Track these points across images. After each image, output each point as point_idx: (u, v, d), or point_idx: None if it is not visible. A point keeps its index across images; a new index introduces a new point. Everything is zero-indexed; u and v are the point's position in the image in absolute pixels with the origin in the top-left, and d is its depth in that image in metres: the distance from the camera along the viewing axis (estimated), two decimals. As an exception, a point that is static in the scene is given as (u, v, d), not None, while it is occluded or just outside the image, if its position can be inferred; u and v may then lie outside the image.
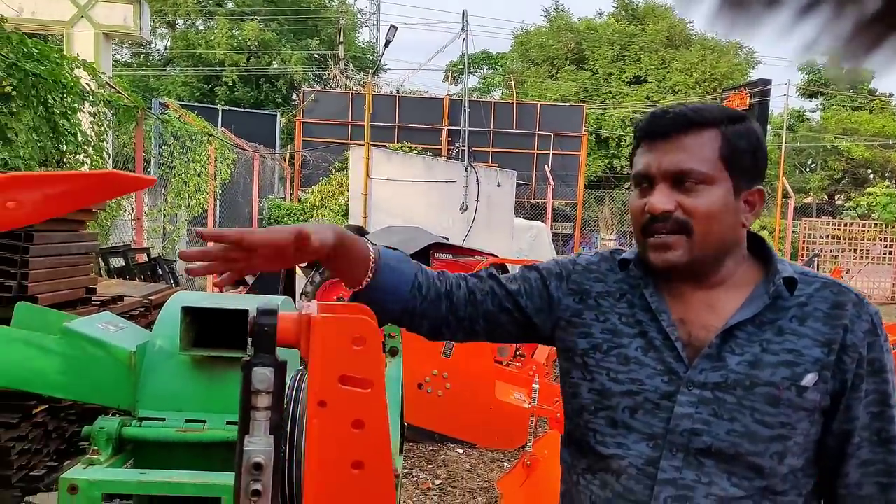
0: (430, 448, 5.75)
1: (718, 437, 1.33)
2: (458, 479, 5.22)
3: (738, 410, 1.33)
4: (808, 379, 1.33)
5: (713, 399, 1.34)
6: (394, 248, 1.50)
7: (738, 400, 1.33)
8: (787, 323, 1.36)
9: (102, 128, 7.87)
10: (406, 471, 5.21)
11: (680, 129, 1.36)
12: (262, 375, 1.27)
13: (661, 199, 1.35)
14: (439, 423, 5.83)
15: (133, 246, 8.34)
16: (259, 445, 1.26)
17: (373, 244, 1.44)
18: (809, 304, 1.37)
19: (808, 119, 41.17)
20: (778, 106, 51.52)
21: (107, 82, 8.33)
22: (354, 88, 28.29)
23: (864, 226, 21.51)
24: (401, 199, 13.88)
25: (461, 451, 5.77)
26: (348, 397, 1.32)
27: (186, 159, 11.39)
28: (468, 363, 5.78)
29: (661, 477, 1.35)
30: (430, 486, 5.06)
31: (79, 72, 7.33)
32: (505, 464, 5.51)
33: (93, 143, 7.45)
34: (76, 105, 7.07)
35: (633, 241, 1.51)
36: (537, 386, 4.49)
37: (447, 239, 9.60)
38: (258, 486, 1.24)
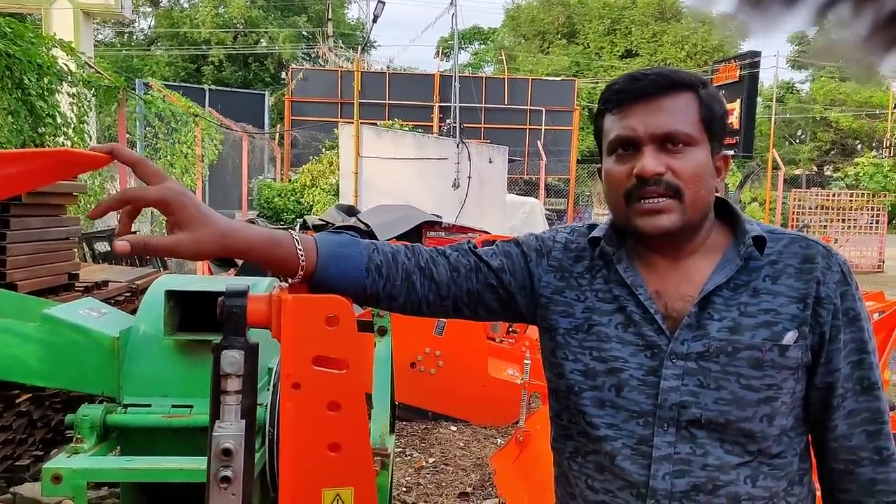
0: (423, 426, 5.73)
1: (707, 407, 1.31)
2: (451, 456, 5.20)
3: (723, 378, 1.31)
4: (789, 337, 1.32)
5: (698, 369, 1.32)
6: (344, 231, 1.41)
7: (723, 367, 1.32)
8: (760, 283, 1.35)
9: (83, 109, 7.74)
10: (399, 450, 5.19)
11: (661, 91, 1.33)
12: (232, 358, 1.23)
13: (653, 161, 1.30)
14: (432, 402, 5.81)
15: (119, 230, 8.25)
16: (229, 430, 1.22)
17: (309, 236, 1.36)
18: (780, 261, 1.36)
19: (798, 90, 41.23)
20: (768, 78, 51.52)
21: (86, 62, 8.19)
22: (344, 66, 28.13)
23: (851, 196, 21.72)
24: (392, 177, 13.82)
25: (454, 428, 5.75)
26: (323, 379, 1.27)
27: (172, 140, 11.26)
28: (460, 341, 5.75)
29: (657, 454, 1.33)
30: (424, 464, 5.04)
31: (57, 52, 7.19)
32: (498, 440, 5.49)
33: (73, 125, 7.33)
34: (54, 86, 6.92)
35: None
36: (529, 361, 4.47)
37: (440, 217, 9.55)
38: (228, 473, 1.20)
